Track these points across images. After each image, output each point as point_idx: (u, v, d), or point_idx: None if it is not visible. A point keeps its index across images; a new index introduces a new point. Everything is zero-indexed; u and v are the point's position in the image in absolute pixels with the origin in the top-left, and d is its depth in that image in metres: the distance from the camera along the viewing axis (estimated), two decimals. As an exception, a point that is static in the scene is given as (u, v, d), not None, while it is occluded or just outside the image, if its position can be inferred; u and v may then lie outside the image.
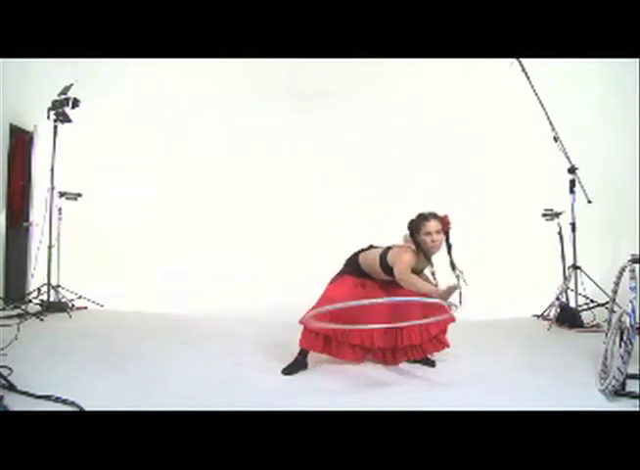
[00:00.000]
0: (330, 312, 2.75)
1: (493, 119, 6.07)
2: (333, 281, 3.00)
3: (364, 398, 2.50)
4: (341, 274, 3.03)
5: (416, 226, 2.84)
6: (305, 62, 4.40)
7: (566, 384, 2.64)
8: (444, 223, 2.83)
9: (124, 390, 2.51)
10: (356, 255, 3.05)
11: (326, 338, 2.89)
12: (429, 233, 2.79)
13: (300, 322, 2.86)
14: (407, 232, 2.90)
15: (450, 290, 2.56)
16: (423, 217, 2.83)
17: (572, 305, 4.34)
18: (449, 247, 2.89)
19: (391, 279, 2.85)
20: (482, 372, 2.91)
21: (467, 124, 6.26)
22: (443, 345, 3.01)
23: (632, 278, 2.37)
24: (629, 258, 2.52)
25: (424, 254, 2.86)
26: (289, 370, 2.85)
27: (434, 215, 2.83)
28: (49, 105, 4.70)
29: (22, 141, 5.08)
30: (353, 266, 3.02)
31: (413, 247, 2.85)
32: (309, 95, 6.26)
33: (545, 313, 4.52)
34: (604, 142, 5.26)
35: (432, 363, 3.01)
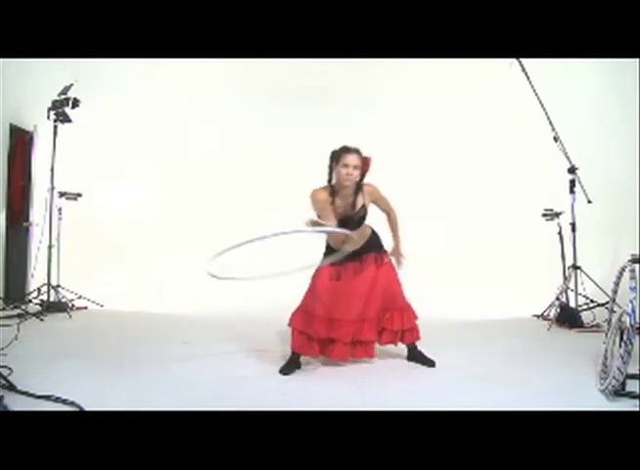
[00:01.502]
0: (316, 309, 2.89)
1: (493, 119, 6.07)
2: (312, 277, 3.01)
3: (363, 397, 2.51)
4: (318, 269, 3.03)
5: (337, 156, 2.89)
6: (305, 62, 4.40)
7: (566, 384, 2.64)
8: (364, 163, 2.88)
9: (124, 390, 2.51)
10: None
11: (319, 341, 2.92)
12: (346, 165, 2.83)
13: (289, 325, 2.96)
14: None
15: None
16: (345, 149, 2.88)
17: (572, 305, 4.34)
18: (359, 187, 2.93)
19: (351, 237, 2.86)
20: (482, 372, 2.92)
21: (467, 124, 6.26)
22: (413, 337, 3.07)
23: (632, 278, 2.37)
24: (629, 257, 2.52)
25: (338, 187, 2.91)
26: (285, 370, 2.86)
27: (356, 151, 2.87)
28: (49, 105, 4.70)
29: (22, 141, 5.08)
30: (328, 250, 3.05)
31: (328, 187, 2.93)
32: (309, 95, 6.26)
33: (545, 313, 4.52)
34: (604, 142, 5.26)
35: (431, 363, 3.01)
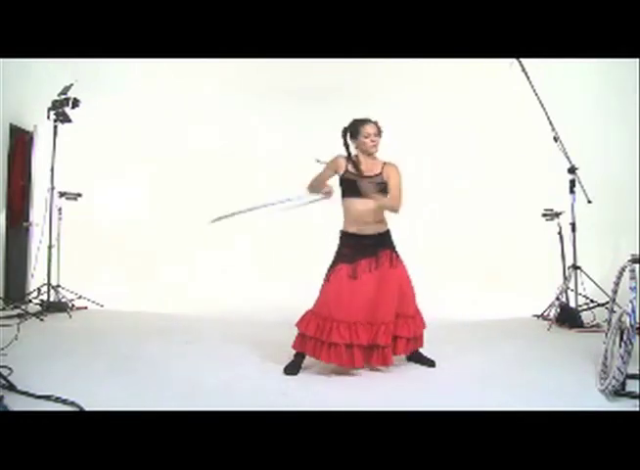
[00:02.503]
0: (320, 310, 2.87)
1: (493, 119, 6.07)
2: (327, 278, 2.95)
3: (364, 398, 2.51)
4: (333, 265, 2.96)
5: (355, 129, 2.99)
6: (305, 62, 4.40)
7: (565, 384, 2.64)
8: (378, 128, 3.02)
9: (124, 390, 2.51)
10: None
11: (315, 340, 2.85)
12: (368, 135, 2.96)
13: (297, 325, 2.92)
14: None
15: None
16: (361, 122, 3.00)
17: (572, 305, 4.34)
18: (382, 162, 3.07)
19: (369, 207, 2.93)
20: (482, 372, 2.92)
21: (467, 124, 6.26)
22: (417, 346, 3.02)
23: (632, 278, 2.37)
24: (629, 257, 2.52)
25: (362, 157, 3.01)
26: (290, 370, 2.86)
27: (369, 120, 3.01)
28: (49, 105, 4.70)
29: (22, 141, 5.08)
30: (342, 240, 3.01)
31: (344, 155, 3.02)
32: (309, 95, 6.26)
33: (545, 313, 4.52)
34: (604, 142, 5.26)
35: (431, 363, 3.01)
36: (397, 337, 2.94)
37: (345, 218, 3.03)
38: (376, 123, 3.01)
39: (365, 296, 2.88)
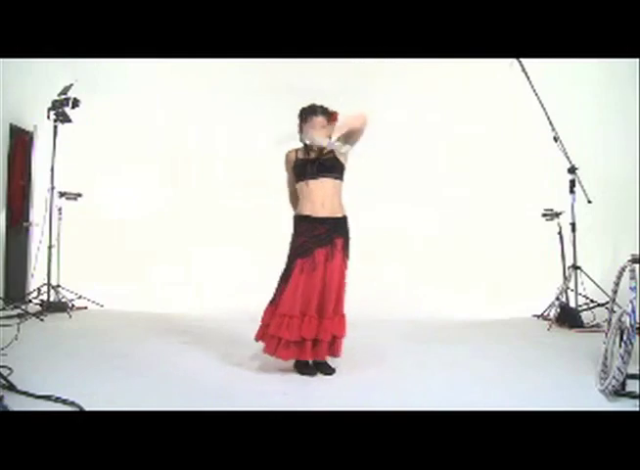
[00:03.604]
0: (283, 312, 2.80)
1: (493, 120, 6.07)
2: (286, 278, 2.86)
3: (364, 398, 2.51)
4: (290, 262, 2.89)
5: (304, 116, 2.98)
6: (305, 62, 4.40)
7: (566, 384, 2.64)
8: (332, 119, 2.93)
9: (124, 390, 2.51)
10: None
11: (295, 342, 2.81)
12: (313, 127, 2.92)
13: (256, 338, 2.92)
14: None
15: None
16: (312, 111, 2.94)
17: (572, 305, 4.34)
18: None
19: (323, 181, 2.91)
20: (482, 372, 2.92)
21: (467, 125, 6.25)
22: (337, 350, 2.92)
23: (632, 278, 2.37)
24: (629, 258, 2.52)
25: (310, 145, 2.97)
26: (304, 370, 2.83)
27: (322, 112, 2.93)
28: (49, 105, 4.70)
29: (22, 141, 5.08)
30: (296, 227, 2.96)
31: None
32: (309, 95, 6.25)
33: (545, 313, 4.53)
34: (604, 142, 5.26)
35: (331, 371, 2.88)
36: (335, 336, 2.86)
37: (300, 202, 2.97)
38: (329, 115, 2.91)
39: (317, 288, 2.80)
